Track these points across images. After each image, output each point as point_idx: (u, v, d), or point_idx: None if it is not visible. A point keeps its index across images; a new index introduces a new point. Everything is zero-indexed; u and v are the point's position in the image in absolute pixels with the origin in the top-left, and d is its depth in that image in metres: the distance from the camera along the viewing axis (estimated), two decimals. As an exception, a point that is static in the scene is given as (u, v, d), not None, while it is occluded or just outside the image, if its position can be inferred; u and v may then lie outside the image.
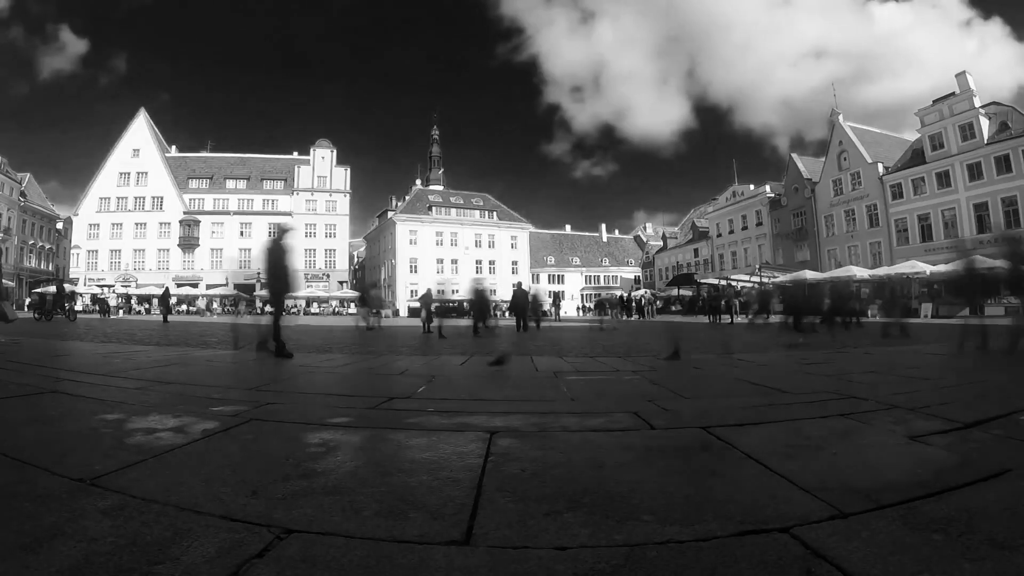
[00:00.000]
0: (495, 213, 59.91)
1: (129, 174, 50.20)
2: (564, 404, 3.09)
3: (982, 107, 29.32)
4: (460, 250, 56.33)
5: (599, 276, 66.12)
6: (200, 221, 50.23)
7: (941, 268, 24.51)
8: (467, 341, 9.13)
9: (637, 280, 65.90)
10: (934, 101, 31.84)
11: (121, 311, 35.94)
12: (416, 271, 53.85)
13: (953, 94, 30.57)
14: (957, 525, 1.26)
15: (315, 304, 44.30)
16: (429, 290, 15.10)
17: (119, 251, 49.08)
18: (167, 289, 24.61)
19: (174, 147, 55.12)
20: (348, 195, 54.52)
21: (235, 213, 51.42)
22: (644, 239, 71.60)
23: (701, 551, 1.16)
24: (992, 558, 1.10)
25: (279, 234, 6.17)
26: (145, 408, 2.73)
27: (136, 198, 49.97)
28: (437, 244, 55.70)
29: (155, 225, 49.72)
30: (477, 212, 59.48)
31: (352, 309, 43.06)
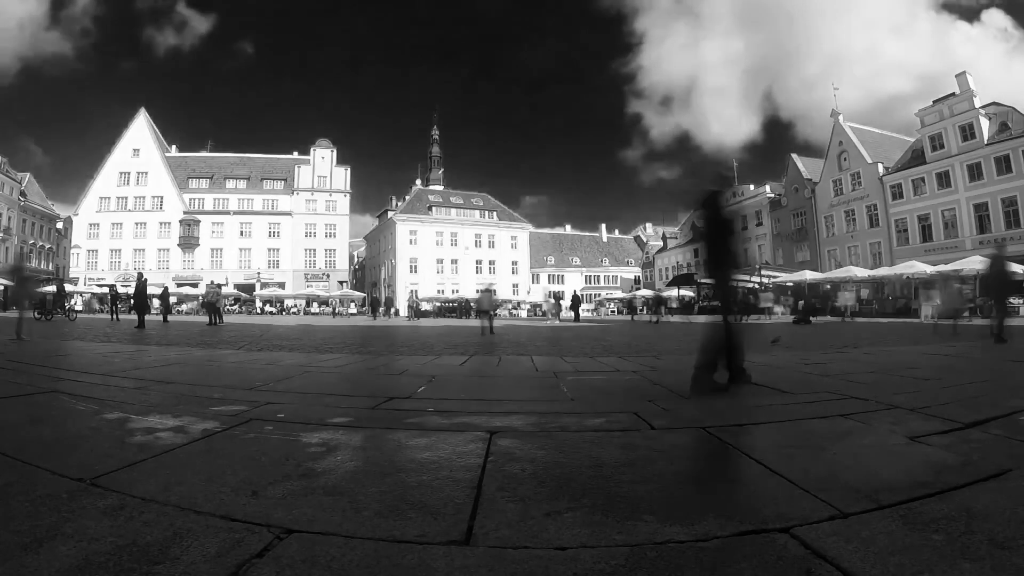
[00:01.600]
0: (495, 213, 59.90)
1: (129, 174, 50.21)
2: (564, 404, 3.09)
3: (982, 107, 29.32)
4: (460, 250, 56.33)
5: (599, 276, 66.12)
6: (200, 221, 50.24)
7: (941, 268, 24.52)
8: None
9: (637, 280, 65.89)
10: (934, 101, 31.84)
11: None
12: (416, 271, 53.86)
13: (953, 94, 30.57)
14: (957, 525, 1.26)
15: (315, 304, 44.29)
16: (489, 290, 13.89)
17: (119, 251, 49.09)
18: (167, 289, 24.60)
19: (174, 147, 55.12)
20: (348, 195, 54.54)
21: (235, 213, 51.42)
22: (644, 239, 71.59)
23: (701, 551, 1.16)
24: (992, 558, 1.10)
25: (720, 183, 3.77)
26: (145, 408, 2.73)
27: (136, 198, 49.98)
28: (437, 244, 55.70)
29: (155, 225, 49.73)
30: (477, 212, 59.49)
31: (352, 309, 43.10)
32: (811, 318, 19.38)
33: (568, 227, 72.30)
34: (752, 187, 49.24)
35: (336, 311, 40.38)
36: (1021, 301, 22.05)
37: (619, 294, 55.97)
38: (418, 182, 69.48)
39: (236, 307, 41.14)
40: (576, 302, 23.21)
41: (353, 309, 43.35)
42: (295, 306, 45.12)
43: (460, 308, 39.67)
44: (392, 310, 39.93)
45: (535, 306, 47.20)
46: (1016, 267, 22.17)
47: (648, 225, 75.97)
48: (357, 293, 46.84)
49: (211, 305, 16.13)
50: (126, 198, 50.00)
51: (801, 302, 24.57)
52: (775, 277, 34.40)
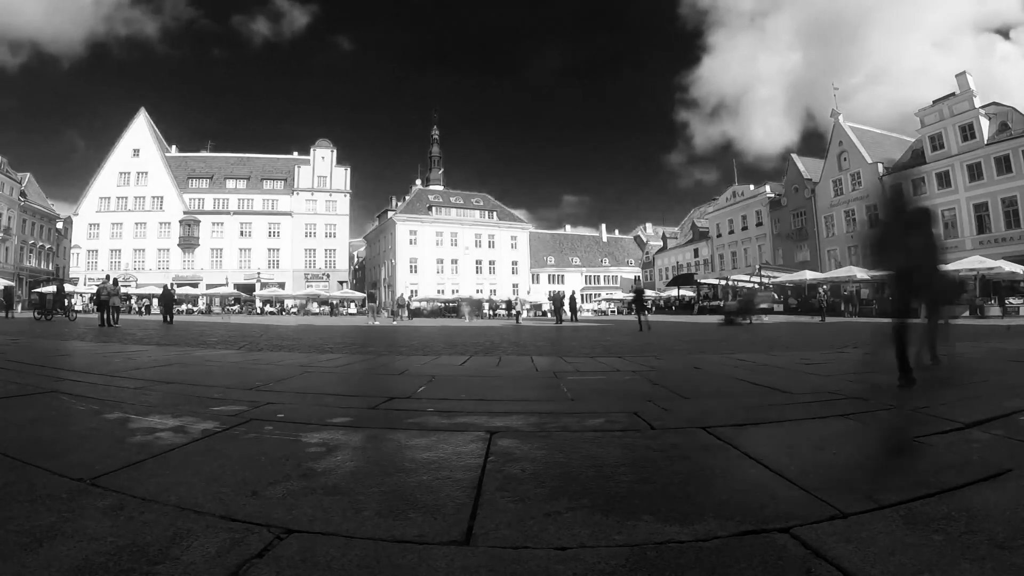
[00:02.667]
0: (495, 213, 59.90)
1: (129, 174, 50.21)
2: (564, 404, 3.09)
3: (982, 107, 29.33)
4: (460, 250, 56.33)
5: (599, 276, 66.14)
6: (200, 221, 50.24)
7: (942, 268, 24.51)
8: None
9: (637, 280, 65.90)
10: (934, 101, 31.84)
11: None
12: (416, 271, 53.87)
13: (953, 94, 30.57)
14: (957, 525, 1.26)
15: (314, 304, 44.29)
16: (473, 300, 15.71)
17: (119, 251, 49.09)
18: (167, 288, 24.59)
19: (174, 147, 55.12)
20: (348, 195, 54.53)
21: (235, 213, 51.42)
22: (644, 239, 71.61)
23: (701, 551, 1.16)
24: (992, 558, 1.10)
25: (899, 183, 3.36)
26: (145, 408, 2.73)
27: (136, 198, 49.98)
28: (437, 244, 55.71)
29: (155, 225, 49.73)
30: (477, 212, 59.48)
31: (352, 309, 43.09)
32: (743, 319, 17.42)
33: (568, 227, 72.32)
34: (752, 187, 49.24)
35: (305, 310, 39.84)
36: (1021, 301, 22.06)
37: (619, 294, 55.98)
38: (418, 182, 69.46)
39: (236, 307, 41.15)
40: (573, 303, 23.41)
41: (353, 309, 43.34)
42: (295, 306, 45.12)
43: (448, 308, 39.91)
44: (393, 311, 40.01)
45: (535, 306, 47.27)
46: (1016, 267, 22.27)
47: (648, 225, 76.01)
48: (357, 293, 46.81)
49: (104, 303, 14.40)
50: (126, 198, 50.00)
51: (737, 299, 24.24)
52: (775, 277, 34.41)
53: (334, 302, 43.38)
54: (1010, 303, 22.50)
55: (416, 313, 37.27)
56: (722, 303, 24.47)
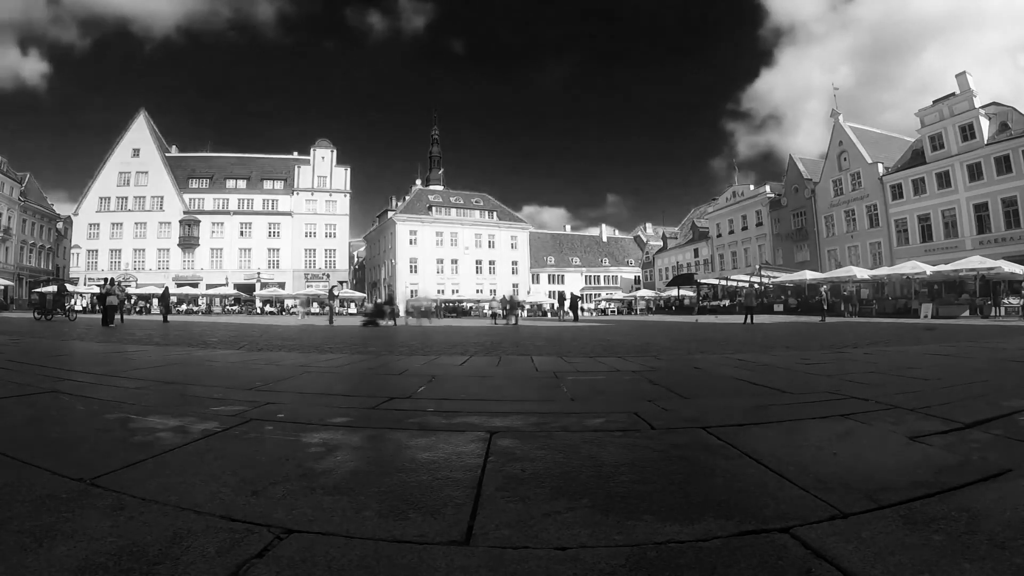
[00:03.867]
0: (495, 213, 59.91)
1: (129, 174, 50.22)
2: (564, 404, 3.09)
3: (982, 107, 29.34)
4: (460, 250, 56.35)
5: (599, 276, 66.15)
6: (200, 221, 50.27)
7: (942, 268, 24.55)
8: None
9: (637, 280, 65.90)
10: (934, 101, 31.86)
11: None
12: (416, 271, 53.88)
13: (953, 94, 30.58)
14: (957, 525, 1.26)
15: (314, 304, 44.31)
16: (424, 298, 17.76)
17: (119, 251, 49.11)
18: (167, 288, 24.60)
19: (174, 147, 55.16)
20: (348, 195, 54.54)
21: (235, 213, 51.44)
22: (644, 239, 71.61)
23: (701, 551, 1.16)
24: (992, 558, 1.10)
25: None
26: (145, 408, 2.73)
27: (136, 198, 49.99)
28: (437, 244, 55.73)
29: (155, 225, 49.75)
30: (477, 212, 59.49)
31: (352, 309, 43.11)
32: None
33: (568, 227, 72.32)
34: (752, 187, 49.23)
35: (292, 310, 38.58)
36: (1020, 301, 22.07)
37: (619, 294, 55.93)
38: (418, 182, 69.43)
39: (236, 307, 41.16)
40: (574, 302, 23.56)
41: (353, 309, 43.34)
42: (294, 306, 45.13)
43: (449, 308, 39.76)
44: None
45: (536, 305, 47.28)
46: (1016, 267, 22.27)
47: (648, 225, 76.02)
48: (357, 294, 46.81)
49: (109, 304, 14.32)
50: (126, 198, 50.02)
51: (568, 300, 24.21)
52: (775, 277, 34.42)
53: (291, 301, 42.75)
54: (1009, 303, 22.50)
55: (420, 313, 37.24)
56: (724, 302, 24.59)
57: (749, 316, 19.00)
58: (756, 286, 27.73)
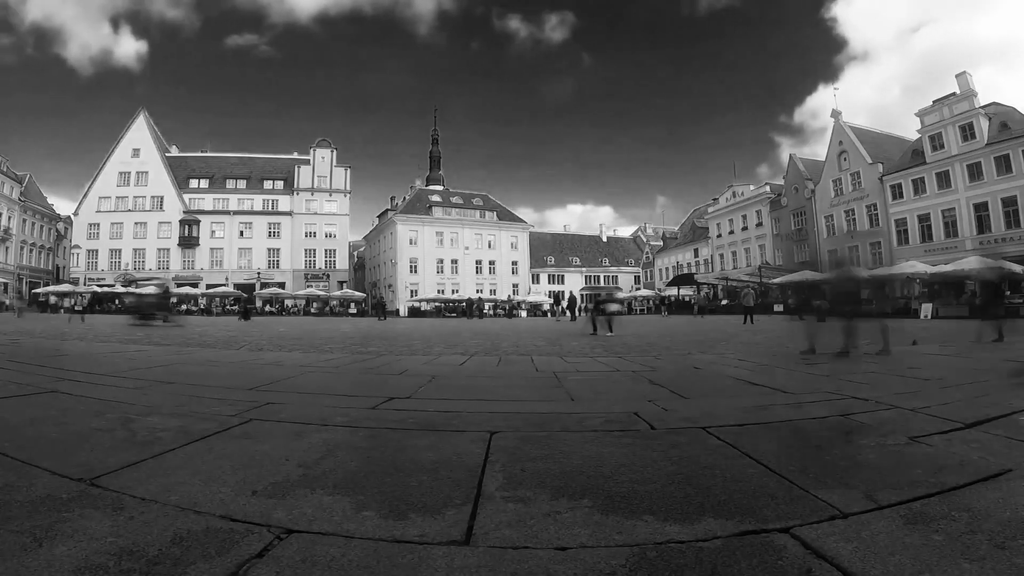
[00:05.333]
0: (495, 213, 59.89)
1: (129, 174, 50.18)
2: (564, 404, 3.09)
3: (982, 107, 29.31)
4: (460, 250, 56.32)
5: (599, 276, 66.13)
6: (200, 221, 50.23)
7: (942, 268, 24.55)
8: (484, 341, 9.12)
9: (637, 280, 65.92)
10: (934, 101, 31.82)
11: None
12: (416, 271, 53.86)
13: (954, 94, 30.55)
14: (957, 525, 1.26)
15: (314, 304, 44.32)
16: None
17: (119, 251, 49.07)
18: (167, 288, 24.56)
19: (174, 147, 55.13)
20: (348, 195, 54.52)
21: (235, 213, 51.40)
22: (644, 239, 71.62)
23: (701, 551, 1.16)
24: (992, 558, 1.10)
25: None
26: (145, 408, 2.73)
27: (136, 198, 49.95)
28: (438, 244, 55.70)
29: (155, 225, 49.70)
30: (477, 212, 59.47)
31: (352, 309, 43.12)
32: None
33: (568, 227, 72.32)
34: (752, 187, 49.22)
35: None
36: (1021, 301, 22.05)
37: (621, 295, 55.78)
38: (418, 182, 69.39)
39: (236, 308, 41.14)
40: (572, 302, 23.61)
41: (353, 309, 43.34)
42: (294, 306, 45.13)
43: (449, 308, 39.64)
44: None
45: (535, 306, 47.32)
46: (1016, 267, 22.25)
47: (648, 225, 76.06)
48: (357, 294, 46.82)
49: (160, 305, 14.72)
50: (126, 198, 49.98)
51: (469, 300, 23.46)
52: (775, 277, 34.41)
53: (334, 302, 43.08)
54: (1008, 303, 22.46)
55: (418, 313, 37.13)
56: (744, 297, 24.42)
57: (749, 316, 18.98)
58: (755, 287, 27.65)
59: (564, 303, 24.55)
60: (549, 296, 50.87)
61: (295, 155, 55.79)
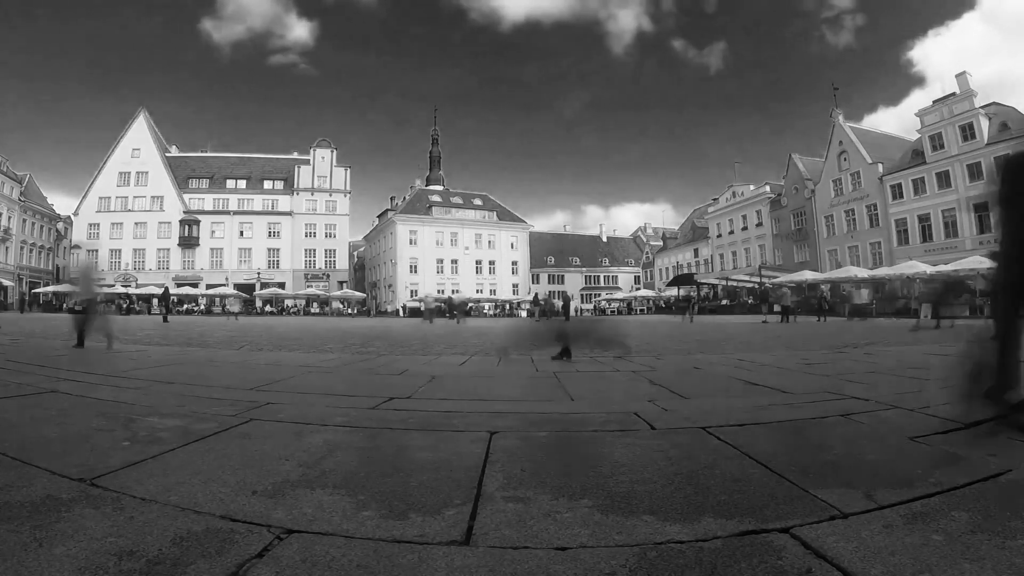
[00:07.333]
0: (495, 213, 59.90)
1: (129, 174, 50.22)
2: (564, 404, 3.09)
3: (982, 107, 29.33)
4: (460, 250, 56.34)
5: (599, 276, 66.17)
6: (200, 221, 50.26)
7: (942, 268, 24.54)
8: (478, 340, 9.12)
9: (637, 280, 65.93)
10: (934, 101, 31.86)
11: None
12: (416, 271, 53.88)
13: (954, 94, 30.57)
14: (957, 525, 1.26)
15: (314, 304, 44.32)
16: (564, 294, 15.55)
17: (119, 251, 49.12)
18: (167, 288, 24.58)
19: (174, 147, 55.18)
20: (348, 195, 54.55)
21: (235, 213, 51.43)
22: (644, 239, 71.64)
23: (701, 551, 1.16)
24: (992, 558, 1.10)
25: None
26: (145, 408, 2.73)
27: (136, 198, 49.99)
28: (437, 244, 55.72)
29: (155, 225, 49.75)
30: (477, 212, 59.51)
31: (350, 310, 43.13)
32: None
33: (568, 227, 72.33)
34: (752, 187, 49.21)
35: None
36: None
37: (620, 294, 55.91)
38: (418, 182, 69.41)
39: (237, 308, 41.14)
40: (566, 304, 23.71)
41: (354, 309, 43.34)
42: (294, 306, 45.13)
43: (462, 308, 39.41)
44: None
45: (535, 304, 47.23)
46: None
47: (648, 225, 76.06)
48: (357, 293, 46.81)
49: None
50: (126, 198, 50.01)
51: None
52: (775, 277, 34.41)
53: (335, 302, 43.07)
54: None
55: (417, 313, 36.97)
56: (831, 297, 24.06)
57: (787, 316, 18.76)
58: (790, 286, 27.41)
59: (542, 303, 24.81)
60: (529, 294, 49.22)
61: (295, 155, 55.84)
